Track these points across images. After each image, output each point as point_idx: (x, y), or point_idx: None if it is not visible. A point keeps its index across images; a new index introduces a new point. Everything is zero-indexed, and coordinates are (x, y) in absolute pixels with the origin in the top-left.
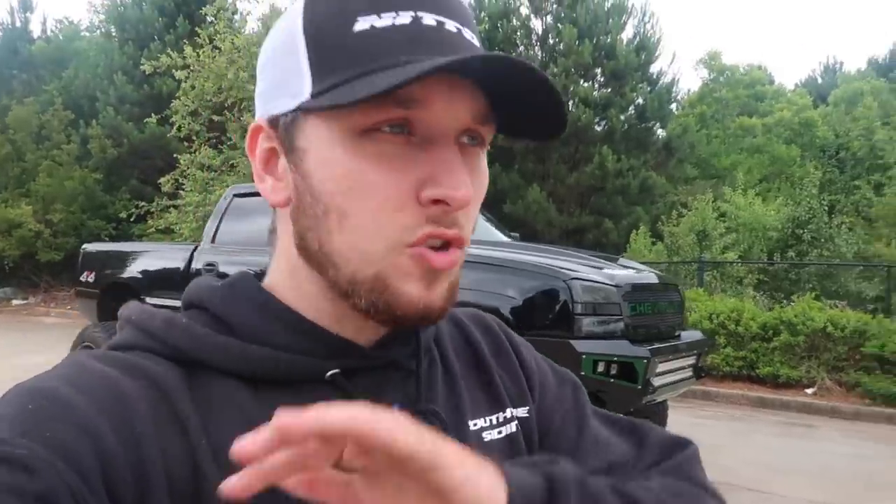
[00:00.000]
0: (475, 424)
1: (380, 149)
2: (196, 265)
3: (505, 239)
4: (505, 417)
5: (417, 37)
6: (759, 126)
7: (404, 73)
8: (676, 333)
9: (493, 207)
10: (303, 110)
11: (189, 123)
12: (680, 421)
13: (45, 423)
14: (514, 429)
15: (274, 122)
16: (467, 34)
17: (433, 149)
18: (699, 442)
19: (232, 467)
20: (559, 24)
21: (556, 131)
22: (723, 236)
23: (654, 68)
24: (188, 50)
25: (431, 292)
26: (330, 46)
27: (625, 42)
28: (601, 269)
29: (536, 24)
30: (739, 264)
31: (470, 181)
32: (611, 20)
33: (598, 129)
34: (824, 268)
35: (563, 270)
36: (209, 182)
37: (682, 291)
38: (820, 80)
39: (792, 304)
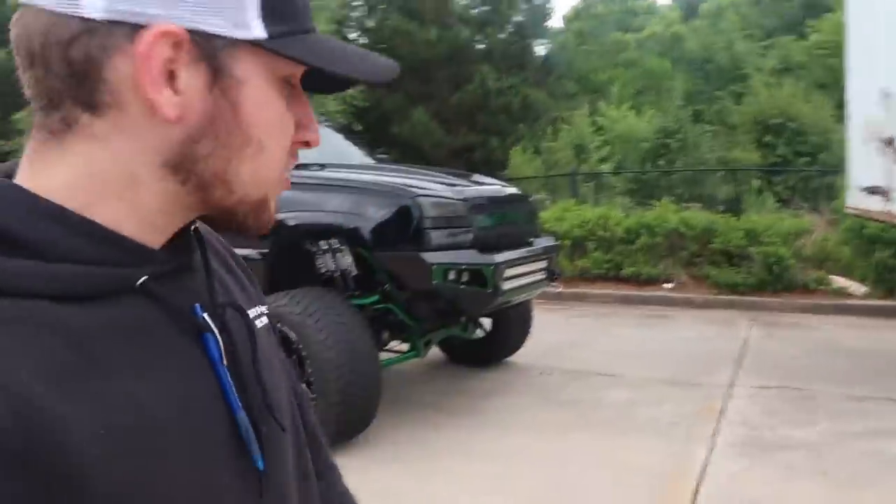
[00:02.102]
0: (251, 315)
1: (287, 94)
2: None
3: (369, 161)
4: (261, 311)
5: (307, 5)
6: (632, 41)
7: (370, 65)
8: (529, 241)
9: (380, 129)
10: (253, 44)
11: None
12: (553, 321)
13: None
14: (267, 321)
15: (201, 39)
16: None
17: (300, 98)
18: (565, 337)
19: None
20: None
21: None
22: (599, 149)
23: None
24: None
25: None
26: None
27: None
28: (452, 185)
29: None
30: (610, 175)
31: None
32: None
33: (479, 47)
34: (689, 174)
35: (411, 189)
36: None
37: (533, 203)
38: None
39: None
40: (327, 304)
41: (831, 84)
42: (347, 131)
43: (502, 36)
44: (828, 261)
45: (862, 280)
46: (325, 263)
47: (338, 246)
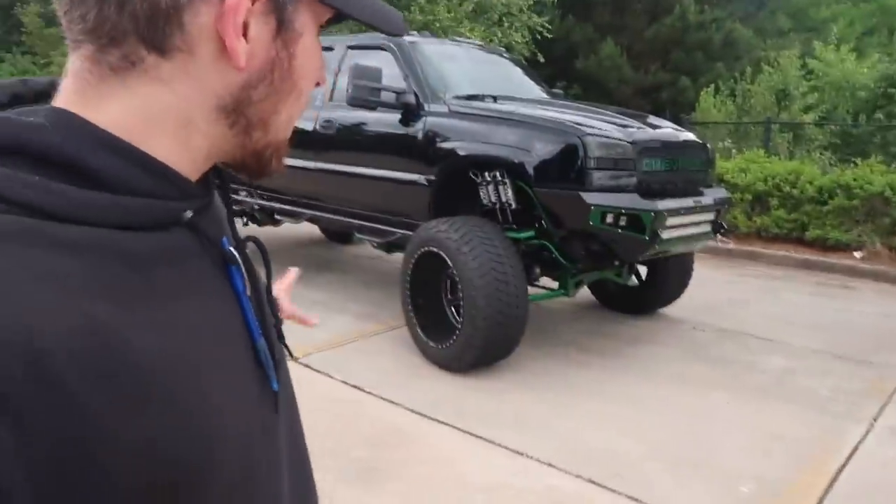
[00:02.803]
0: None
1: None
2: None
3: (543, 96)
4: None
5: None
6: None
7: (384, 14)
8: (699, 190)
9: (564, 63)
10: None
11: None
12: (716, 277)
13: None
14: None
15: None
16: None
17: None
18: (726, 296)
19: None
20: None
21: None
22: (805, 96)
23: None
24: None
25: None
26: None
27: None
28: (623, 126)
29: None
30: (812, 125)
31: None
32: None
33: None
34: None
35: (579, 127)
36: None
37: (710, 150)
38: None
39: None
40: (484, 234)
41: None
42: (531, 64)
43: None
44: None
45: None
46: (487, 194)
47: (501, 178)
